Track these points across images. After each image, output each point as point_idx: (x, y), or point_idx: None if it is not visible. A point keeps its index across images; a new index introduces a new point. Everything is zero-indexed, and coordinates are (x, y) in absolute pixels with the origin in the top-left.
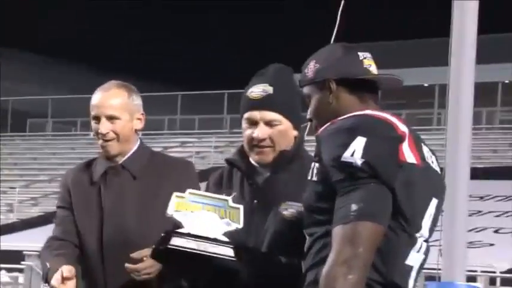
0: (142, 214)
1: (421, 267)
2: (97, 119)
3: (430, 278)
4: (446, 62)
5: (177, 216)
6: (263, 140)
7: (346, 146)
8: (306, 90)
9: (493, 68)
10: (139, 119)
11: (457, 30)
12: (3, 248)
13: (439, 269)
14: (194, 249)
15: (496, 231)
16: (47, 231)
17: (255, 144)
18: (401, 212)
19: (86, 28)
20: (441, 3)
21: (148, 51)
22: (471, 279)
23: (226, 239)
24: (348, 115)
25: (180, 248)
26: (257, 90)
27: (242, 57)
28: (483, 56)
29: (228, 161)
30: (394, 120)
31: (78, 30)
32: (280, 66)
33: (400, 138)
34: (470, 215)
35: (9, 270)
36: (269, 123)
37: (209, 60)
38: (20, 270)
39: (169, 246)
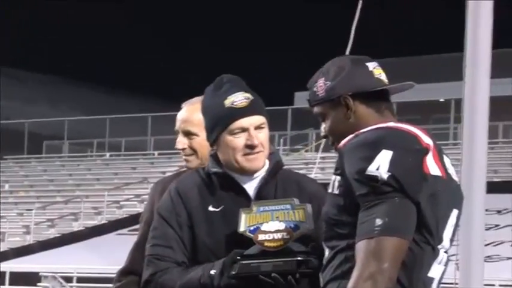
0: None
1: (442, 278)
2: (177, 133)
3: None
4: (461, 77)
5: (248, 233)
6: (257, 145)
7: (371, 159)
8: (317, 109)
9: (509, 81)
10: None
11: (471, 44)
12: (20, 269)
13: (456, 283)
14: (258, 272)
15: None
16: (63, 252)
17: (249, 152)
18: (425, 225)
19: (96, 47)
20: (455, 18)
21: (157, 70)
22: None
23: (297, 248)
24: (371, 128)
25: (247, 273)
26: (239, 99)
27: None
28: (498, 70)
29: (218, 173)
30: (418, 132)
31: (86, 49)
32: (234, 76)
33: (425, 151)
34: (487, 229)
35: None
36: (258, 128)
37: None
38: None
39: (237, 274)
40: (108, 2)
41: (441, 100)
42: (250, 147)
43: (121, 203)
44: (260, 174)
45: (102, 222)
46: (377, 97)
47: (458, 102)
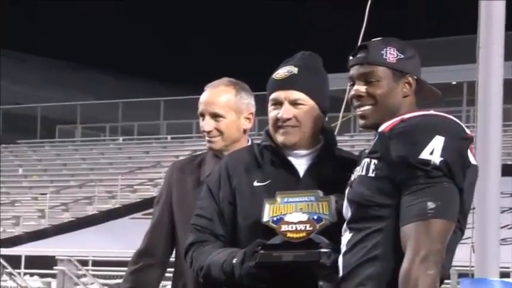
0: None
1: None
2: (202, 116)
3: (463, 275)
4: (474, 60)
5: (272, 223)
6: (288, 119)
7: (424, 144)
8: (374, 70)
9: None
10: (247, 118)
11: (485, 27)
12: (36, 253)
13: (472, 266)
14: (279, 262)
15: None
16: (78, 236)
17: (280, 125)
18: (463, 212)
19: (111, 33)
20: (469, 1)
21: (169, 55)
22: (504, 275)
23: (319, 239)
24: (416, 114)
25: (268, 263)
26: (282, 71)
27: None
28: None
29: (269, 147)
30: (460, 122)
31: (102, 35)
32: (308, 52)
33: (470, 140)
34: (502, 212)
35: (42, 275)
36: (294, 103)
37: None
38: (53, 276)
39: (258, 263)
40: (108, 1)
41: (453, 83)
42: (281, 121)
43: (134, 187)
44: (312, 153)
45: (116, 206)
46: (420, 91)
47: (471, 85)
